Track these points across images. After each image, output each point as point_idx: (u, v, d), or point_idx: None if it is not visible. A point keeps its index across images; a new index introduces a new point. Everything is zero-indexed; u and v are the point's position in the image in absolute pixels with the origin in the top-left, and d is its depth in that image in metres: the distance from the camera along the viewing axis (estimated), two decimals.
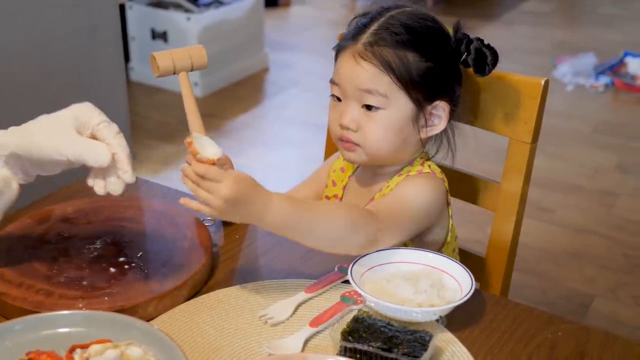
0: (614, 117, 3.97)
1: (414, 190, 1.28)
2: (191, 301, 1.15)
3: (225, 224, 1.36)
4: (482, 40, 1.31)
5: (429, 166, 1.35)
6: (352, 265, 1.13)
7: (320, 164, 1.56)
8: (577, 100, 4.14)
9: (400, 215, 1.23)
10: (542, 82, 1.36)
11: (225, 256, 1.28)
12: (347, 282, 1.17)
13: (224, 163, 1.33)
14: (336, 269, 1.22)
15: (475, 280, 1.13)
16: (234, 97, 4.11)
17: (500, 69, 1.42)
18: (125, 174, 1.14)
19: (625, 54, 4.53)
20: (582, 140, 3.69)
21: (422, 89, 1.28)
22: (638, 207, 3.10)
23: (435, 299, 1.10)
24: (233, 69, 4.27)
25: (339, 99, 1.31)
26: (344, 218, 1.15)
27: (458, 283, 1.13)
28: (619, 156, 3.52)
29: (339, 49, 1.33)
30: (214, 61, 4.10)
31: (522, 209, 1.43)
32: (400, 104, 1.28)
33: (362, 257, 1.16)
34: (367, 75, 1.26)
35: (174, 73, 1.30)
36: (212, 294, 1.16)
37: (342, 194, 1.43)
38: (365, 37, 1.28)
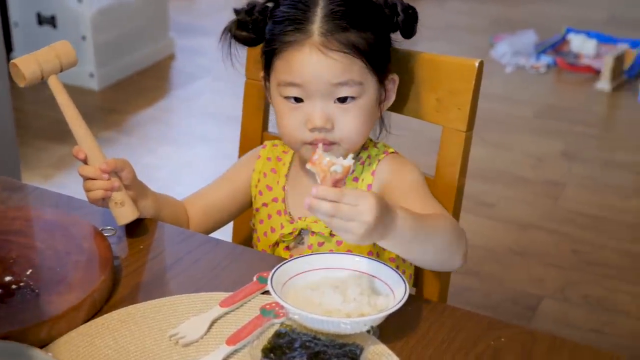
0: (557, 100, 4.06)
1: (413, 173, 1.36)
2: (91, 322, 1.13)
3: (129, 233, 1.35)
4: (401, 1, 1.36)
5: (384, 145, 1.41)
6: (272, 274, 1.13)
7: (234, 161, 1.56)
8: (517, 83, 4.22)
9: (431, 197, 1.33)
10: (476, 64, 1.39)
11: (129, 269, 1.26)
12: (267, 292, 1.17)
13: (122, 169, 1.31)
14: (254, 279, 1.22)
15: (411, 285, 1.14)
16: (136, 88, 4.06)
17: (433, 49, 1.45)
18: None
19: (568, 31, 4.64)
20: (523, 126, 3.77)
21: (382, 64, 1.33)
22: (586, 197, 3.18)
23: (365, 307, 1.11)
24: (134, 57, 4.22)
25: (296, 100, 1.31)
26: (446, 222, 1.22)
27: (390, 289, 1.14)
28: (564, 143, 3.60)
29: (276, 49, 1.31)
30: (112, 49, 4.04)
31: (459, 204, 1.45)
32: (371, 87, 1.32)
33: (283, 264, 1.16)
34: (339, 66, 1.28)
35: (42, 79, 1.29)
36: (114, 314, 1.15)
37: (284, 195, 1.43)
38: (317, 26, 1.28)
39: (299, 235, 1.41)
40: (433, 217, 1.23)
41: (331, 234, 1.38)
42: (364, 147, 1.41)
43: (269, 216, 1.44)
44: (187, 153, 3.49)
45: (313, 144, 1.32)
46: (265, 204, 1.45)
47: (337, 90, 1.29)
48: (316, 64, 1.28)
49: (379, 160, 1.39)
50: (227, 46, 1.38)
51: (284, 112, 1.33)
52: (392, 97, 1.40)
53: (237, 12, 1.39)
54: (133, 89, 4.06)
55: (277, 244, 1.42)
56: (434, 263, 1.26)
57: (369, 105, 1.33)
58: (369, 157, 1.40)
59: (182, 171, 3.32)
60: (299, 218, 1.41)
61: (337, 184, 1.07)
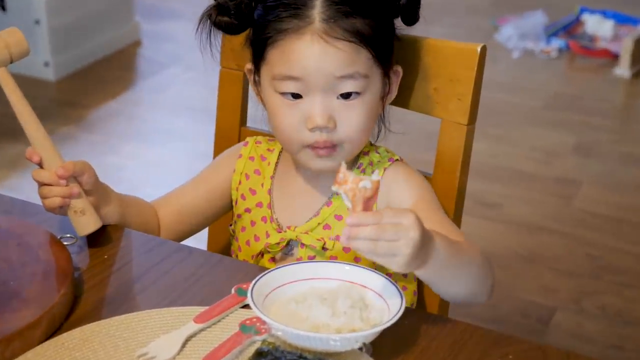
0: (570, 89, 4.08)
1: (426, 187, 1.37)
2: (49, 342, 1.13)
3: (91, 241, 1.35)
4: None
5: (386, 151, 1.42)
6: (253, 286, 1.14)
7: (210, 160, 1.56)
8: (524, 70, 4.24)
9: (448, 219, 1.34)
10: (478, 49, 1.40)
11: (92, 282, 1.26)
12: (247, 306, 1.18)
13: (81, 172, 1.31)
14: (233, 292, 1.22)
15: (414, 302, 1.15)
16: (98, 79, 4.06)
17: (430, 33, 1.45)
18: None
19: (582, 10, 4.66)
20: (531, 118, 3.78)
21: (387, 54, 1.33)
22: (602, 196, 3.19)
23: (357, 322, 1.11)
24: (95, 43, 4.21)
25: (294, 96, 1.30)
26: (476, 250, 1.24)
27: (385, 301, 1.14)
28: (577, 136, 3.62)
29: (269, 38, 1.30)
30: (70, 35, 4.04)
31: (460, 205, 1.46)
32: (376, 80, 1.32)
33: (264, 274, 1.16)
34: (345, 57, 1.27)
35: None
36: (75, 332, 1.15)
37: (270, 200, 1.43)
38: (318, 11, 1.27)
39: (288, 246, 1.41)
40: (463, 243, 1.24)
41: (324, 248, 1.37)
42: (363, 152, 1.41)
43: (253, 223, 1.44)
44: (155, 151, 3.49)
45: (314, 147, 1.31)
46: (248, 210, 1.45)
47: (340, 84, 1.29)
48: (319, 54, 1.27)
49: (384, 169, 1.38)
50: (205, 35, 1.37)
51: (279, 110, 1.32)
52: (395, 91, 1.39)
53: None
54: (94, 80, 4.05)
55: (261, 254, 1.42)
56: (466, 294, 1.26)
57: (373, 100, 1.33)
58: (370, 164, 1.40)
59: (149, 171, 3.32)
60: (288, 227, 1.40)
61: (368, 204, 1.08)
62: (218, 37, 1.39)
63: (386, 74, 1.35)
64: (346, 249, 1.36)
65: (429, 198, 1.36)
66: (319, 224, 1.39)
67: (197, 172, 1.52)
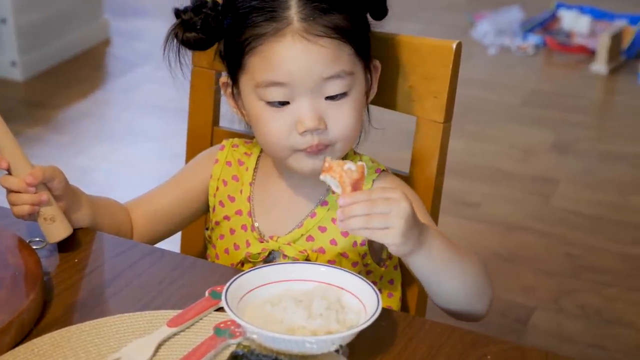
0: (547, 85, 4.10)
1: (416, 199, 1.37)
2: (18, 348, 1.12)
3: (61, 245, 1.34)
4: None
5: (371, 161, 1.42)
6: (227, 288, 1.14)
7: (183, 161, 1.56)
8: (501, 66, 4.26)
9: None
10: (454, 46, 1.40)
11: (62, 286, 1.26)
12: (221, 309, 1.18)
13: (51, 178, 1.30)
14: (207, 294, 1.22)
15: (398, 307, 1.15)
16: (67, 79, 4.04)
17: (406, 30, 1.46)
18: None
19: (558, 6, 4.69)
20: (509, 115, 3.80)
21: (367, 48, 1.34)
22: (581, 195, 3.21)
23: (333, 324, 1.11)
24: (63, 42, 4.20)
25: (281, 103, 1.29)
26: (474, 257, 1.27)
27: (361, 302, 1.15)
28: (556, 133, 3.64)
29: (246, 45, 1.28)
30: (37, 33, 4.01)
31: (437, 204, 1.47)
32: (360, 76, 1.33)
33: (239, 276, 1.16)
34: (328, 53, 1.27)
35: None
36: (45, 337, 1.14)
37: (250, 208, 1.43)
38: (294, 11, 1.26)
39: (269, 256, 1.40)
40: (461, 246, 1.26)
41: (307, 260, 1.37)
42: (345, 159, 1.40)
43: (232, 231, 1.43)
44: (126, 152, 3.48)
45: (307, 151, 1.30)
46: (227, 217, 1.44)
47: (327, 85, 1.28)
48: (303, 54, 1.26)
49: (373, 181, 1.38)
50: (174, 54, 1.37)
51: (265, 118, 1.31)
52: (375, 86, 1.40)
53: (180, 12, 1.35)
54: (63, 79, 4.03)
55: (241, 263, 1.41)
56: (463, 299, 1.27)
57: (359, 97, 1.33)
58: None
59: (120, 173, 3.31)
60: (271, 237, 1.40)
61: (357, 185, 1.13)
62: (188, 55, 1.38)
63: (367, 68, 1.35)
64: (331, 261, 1.36)
65: (423, 212, 1.36)
66: (302, 235, 1.38)
67: (169, 173, 1.52)
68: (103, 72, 4.23)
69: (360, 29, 1.33)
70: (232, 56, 1.32)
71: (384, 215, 1.12)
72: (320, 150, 1.30)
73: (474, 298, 1.27)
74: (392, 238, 1.14)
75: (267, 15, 1.27)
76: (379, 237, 1.14)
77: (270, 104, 1.29)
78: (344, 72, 1.28)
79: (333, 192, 1.16)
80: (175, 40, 1.36)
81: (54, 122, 3.68)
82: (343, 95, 1.30)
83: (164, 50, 1.36)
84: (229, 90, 1.38)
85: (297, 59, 1.26)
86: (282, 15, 1.26)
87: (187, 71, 1.40)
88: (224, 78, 1.38)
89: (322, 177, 1.13)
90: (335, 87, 1.29)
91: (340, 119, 1.30)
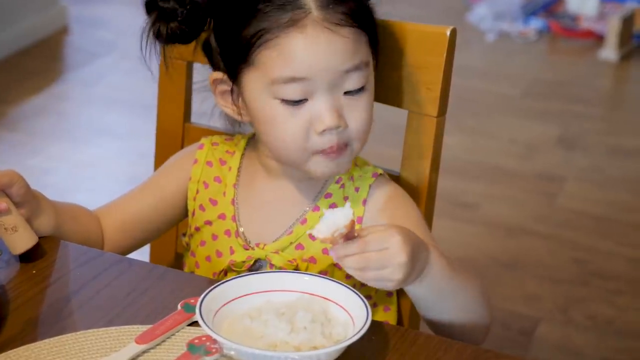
0: (551, 74, 4.11)
1: (414, 206, 1.40)
2: None
3: (20, 258, 1.34)
4: None
5: (366, 164, 1.43)
6: (202, 300, 1.14)
7: (151, 161, 1.56)
8: (500, 54, 4.26)
9: (435, 241, 1.35)
10: (448, 32, 1.41)
11: (20, 300, 1.26)
12: (195, 323, 1.18)
13: (9, 184, 1.29)
14: (179, 307, 1.22)
15: (395, 321, 1.16)
16: (20, 71, 4.03)
17: (397, 15, 1.46)
18: None
19: None
20: (509, 108, 3.81)
21: (377, 36, 1.36)
22: (589, 194, 3.22)
23: (318, 338, 1.12)
24: (15, 31, 4.18)
25: (296, 102, 1.29)
26: (473, 275, 1.29)
27: (349, 314, 1.15)
28: (560, 127, 3.65)
29: (260, 37, 1.27)
30: None
31: (430, 206, 1.47)
32: (373, 68, 1.34)
33: (214, 287, 1.17)
34: (350, 45, 1.28)
35: None
36: (1, 357, 1.14)
37: (234, 212, 1.43)
38: None
39: (255, 265, 1.40)
40: (461, 268, 1.28)
41: (296, 270, 1.37)
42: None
43: (215, 237, 1.43)
44: (87, 151, 3.47)
45: (327, 152, 1.30)
46: (208, 222, 1.44)
47: (347, 78, 1.29)
48: (326, 47, 1.27)
49: (369, 186, 1.39)
50: (150, 46, 1.36)
51: (281, 118, 1.30)
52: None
53: (157, 1, 1.33)
54: (15, 72, 4.02)
55: (224, 272, 1.40)
56: (462, 322, 1.30)
57: (373, 90, 1.35)
58: (351, 179, 1.40)
59: (81, 174, 3.30)
60: (257, 244, 1.40)
61: (349, 235, 1.14)
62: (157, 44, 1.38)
63: (375, 59, 1.36)
64: (323, 272, 1.37)
65: (420, 220, 1.38)
66: (291, 243, 1.39)
67: (135, 175, 1.52)
68: (61, 64, 4.22)
69: (371, 15, 1.35)
70: (234, 51, 1.32)
71: (379, 270, 1.15)
72: (341, 150, 1.31)
73: (471, 321, 1.30)
74: (390, 289, 1.18)
75: (280, 4, 1.26)
76: (377, 286, 1.19)
77: (286, 102, 1.29)
78: (362, 63, 1.30)
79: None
80: (151, 33, 1.35)
81: (6, 119, 3.67)
82: (361, 89, 1.31)
83: (142, 45, 1.36)
84: (222, 88, 1.37)
85: (319, 52, 1.27)
86: (296, 3, 1.26)
87: (157, 62, 1.40)
88: (216, 74, 1.37)
89: (314, 233, 1.14)
90: (355, 81, 1.30)
91: (359, 115, 1.31)
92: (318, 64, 1.27)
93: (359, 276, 1.15)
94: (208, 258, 1.44)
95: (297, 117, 1.29)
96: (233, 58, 1.33)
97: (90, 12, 4.56)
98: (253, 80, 1.31)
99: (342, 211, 1.12)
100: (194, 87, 1.56)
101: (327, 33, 1.26)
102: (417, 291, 1.23)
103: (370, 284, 1.17)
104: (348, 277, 1.37)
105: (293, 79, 1.27)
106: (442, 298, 1.26)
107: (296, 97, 1.28)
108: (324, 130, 1.29)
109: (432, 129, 1.44)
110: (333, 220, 1.12)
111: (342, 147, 1.31)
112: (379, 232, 1.15)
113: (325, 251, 1.37)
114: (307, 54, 1.27)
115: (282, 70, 1.27)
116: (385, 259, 1.14)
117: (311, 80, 1.27)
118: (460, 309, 1.28)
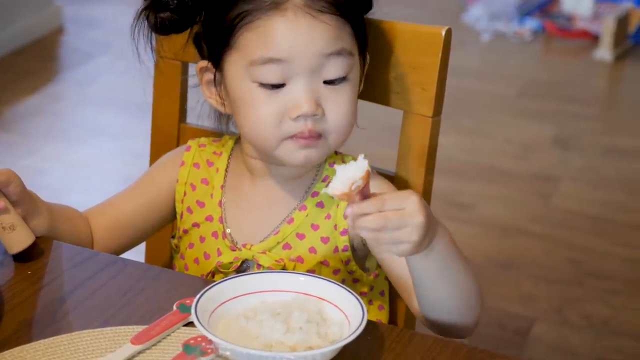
0: (546, 75, 4.12)
1: None
2: None
3: (14, 258, 1.33)
4: None
5: (354, 159, 1.42)
6: (197, 301, 1.14)
7: (146, 161, 1.56)
8: (496, 54, 4.27)
9: None
10: (443, 32, 1.41)
11: (14, 302, 1.26)
12: (191, 324, 1.18)
13: (6, 183, 1.29)
14: (175, 308, 1.22)
15: (386, 320, 1.16)
16: (15, 71, 4.03)
17: (390, 15, 1.46)
18: None
19: None
20: (505, 108, 3.81)
21: (364, 32, 1.36)
22: (584, 194, 3.22)
23: (314, 338, 1.12)
24: (10, 31, 4.18)
25: (274, 86, 1.29)
26: (471, 267, 1.28)
27: (344, 314, 1.15)
28: (556, 127, 3.65)
29: (240, 20, 1.28)
30: None
31: None
32: (357, 63, 1.34)
33: (210, 288, 1.17)
34: (331, 31, 1.28)
35: None
36: None
37: (221, 213, 1.43)
38: None
39: (242, 266, 1.40)
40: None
41: (283, 270, 1.37)
42: (329, 163, 1.41)
43: (202, 239, 1.43)
44: (82, 152, 3.47)
45: (298, 137, 1.29)
46: (196, 224, 1.44)
47: (327, 64, 1.28)
48: (306, 30, 1.27)
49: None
50: (144, 38, 1.36)
51: (256, 101, 1.30)
52: (362, 79, 1.40)
53: None
54: (10, 72, 4.02)
55: (212, 274, 1.40)
56: (453, 311, 1.28)
57: (356, 85, 1.34)
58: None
59: (75, 175, 3.30)
60: (244, 245, 1.40)
61: (364, 192, 1.12)
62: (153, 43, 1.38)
63: (362, 55, 1.36)
64: (311, 271, 1.36)
65: None
66: (278, 242, 1.39)
67: (130, 175, 1.52)
68: (56, 64, 4.21)
69: (359, 9, 1.34)
70: (217, 35, 1.32)
71: (397, 230, 1.13)
72: (312, 139, 1.30)
73: (465, 309, 1.28)
74: (402, 252, 1.16)
75: None
76: (388, 250, 1.18)
77: (264, 85, 1.29)
78: (345, 50, 1.30)
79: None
80: (145, 24, 1.35)
81: (1, 120, 3.67)
82: (342, 80, 1.30)
83: (133, 36, 1.36)
84: (208, 76, 1.37)
85: (298, 35, 1.27)
86: None
87: (152, 62, 1.40)
88: (203, 63, 1.38)
89: (329, 192, 1.13)
90: (335, 68, 1.29)
91: (338, 106, 1.30)
92: (297, 46, 1.27)
93: (374, 238, 1.13)
94: (196, 260, 1.44)
95: (272, 102, 1.29)
96: (217, 42, 1.33)
97: (85, 12, 4.56)
98: (234, 63, 1.32)
99: (356, 164, 1.12)
100: (189, 86, 1.56)
101: (309, 18, 1.27)
102: (422, 263, 1.21)
103: (385, 248, 1.16)
104: (335, 274, 1.38)
105: (270, 60, 1.28)
106: (444, 275, 1.24)
107: (274, 81, 1.28)
108: (298, 116, 1.28)
109: (427, 129, 1.44)
110: (348, 174, 1.11)
111: (315, 135, 1.30)
112: (396, 193, 1.16)
113: (313, 250, 1.37)
114: (287, 36, 1.27)
115: (260, 51, 1.28)
116: (403, 219, 1.12)
117: (290, 63, 1.28)
118: (459, 293, 1.27)
